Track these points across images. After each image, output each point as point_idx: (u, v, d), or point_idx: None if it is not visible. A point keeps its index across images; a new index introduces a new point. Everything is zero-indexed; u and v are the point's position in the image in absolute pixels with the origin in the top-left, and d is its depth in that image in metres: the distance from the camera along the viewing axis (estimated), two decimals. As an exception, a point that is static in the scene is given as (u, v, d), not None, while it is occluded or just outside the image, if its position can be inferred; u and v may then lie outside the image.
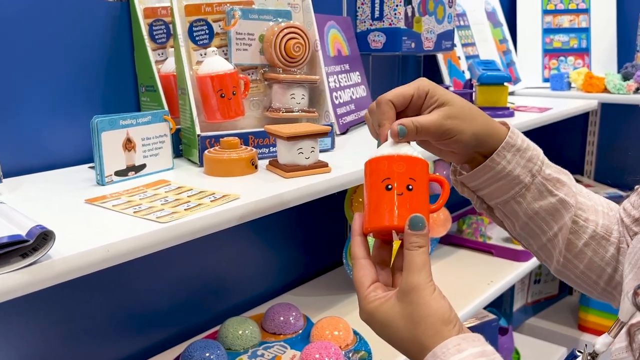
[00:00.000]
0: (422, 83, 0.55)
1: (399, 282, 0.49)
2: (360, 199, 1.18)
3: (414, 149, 0.53)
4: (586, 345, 0.52)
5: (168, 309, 1.02)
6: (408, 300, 0.47)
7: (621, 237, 0.61)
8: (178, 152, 0.85)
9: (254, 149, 0.77)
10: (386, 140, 0.53)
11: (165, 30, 0.88)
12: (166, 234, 0.56)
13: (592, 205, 0.61)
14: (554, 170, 0.59)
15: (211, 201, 0.63)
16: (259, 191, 0.67)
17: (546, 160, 0.59)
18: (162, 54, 0.89)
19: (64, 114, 0.83)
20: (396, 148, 0.52)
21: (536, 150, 0.58)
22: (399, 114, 0.55)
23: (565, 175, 0.60)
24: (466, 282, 1.29)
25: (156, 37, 0.88)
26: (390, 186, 0.50)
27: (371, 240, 0.53)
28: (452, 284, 1.29)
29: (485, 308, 1.50)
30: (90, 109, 0.84)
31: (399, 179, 0.50)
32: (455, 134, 0.54)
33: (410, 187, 0.50)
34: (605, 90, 1.62)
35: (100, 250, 0.51)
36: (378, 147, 0.54)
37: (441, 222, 1.42)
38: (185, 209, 0.60)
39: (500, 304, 1.86)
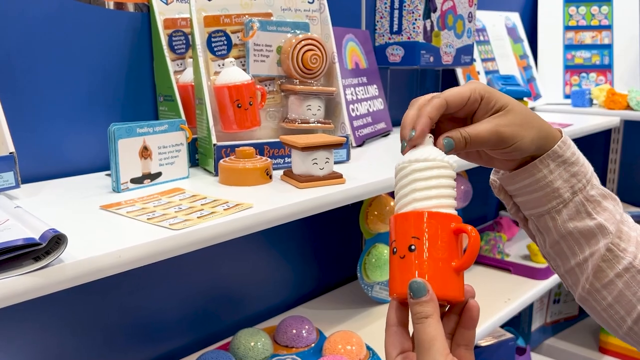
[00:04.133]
0: (478, 86, 0.51)
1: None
2: (376, 212, 1.17)
3: (443, 155, 0.48)
4: None
5: (181, 318, 1.02)
6: None
7: None
8: (194, 162, 0.86)
9: (269, 159, 0.77)
10: (421, 137, 0.48)
11: (184, 41, 0.90)
12: (178, 241, 0.56)
13: (635, 237, 0.56)
14: (599, 192, 0.54)
15: (224, 210, 0.63)
16: (273, 201, 0.67)
17: (594, 181, 0.54)
18: (181, 64, 0.90)
19: (83, 123, 0.84)
20: (423, 151, 0.47)
21: (584, 167, 0.53)
22: (449, 119, 0.51)
23: (611, 201, 0.55)
24: (483, 299, 1.26)
25: (175, 47, 0.89)
26: (395, 249, 0.46)
27: None
28: (469, 301, 1.26)
29: (502, 327, 1.48)
30: (109, 118, 0.86)
31: (402, 240, 0.45)
32: (513, 142, 0.50)
33: (413, 247, 0.44)
34: (628, 107, 1.59)
35: (112, 255, 0.51)
36: (403, 150, 0.49)
37: (458, 237, 1.41)
38: (198, 217, 0.60)
39: (518, 324, 1.82)
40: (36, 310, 0.82)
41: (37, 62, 0.78)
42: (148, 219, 0.60)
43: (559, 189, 0.52)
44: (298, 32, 0.87)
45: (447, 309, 0.48)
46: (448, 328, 0.48)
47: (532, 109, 1.69)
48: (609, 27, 1.83)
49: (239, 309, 1.12)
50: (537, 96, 1.76)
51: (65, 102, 0.81)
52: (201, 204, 0.65)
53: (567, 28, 1.86)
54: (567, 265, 0.56)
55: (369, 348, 1.00)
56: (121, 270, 0.51)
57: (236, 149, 0.77)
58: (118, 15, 0.85)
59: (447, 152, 0.49)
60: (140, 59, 0.89)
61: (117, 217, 0.61)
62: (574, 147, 0.54)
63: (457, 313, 0.47)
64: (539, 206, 0.54)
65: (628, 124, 1.89)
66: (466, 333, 0.47)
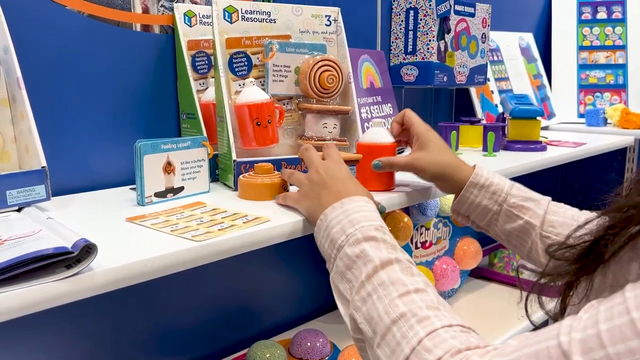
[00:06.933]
0: (408, 118, 0.81)
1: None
2: (390, 228, 1.19)
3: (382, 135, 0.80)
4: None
5: (198, 330, 1.04)
6: None
7: None
8: (214, 177, 0.89)
9: (287, 175, 0.80)
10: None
11: (206, 62, 0.93)
12: (200, 252, 0.59)
13: (565, 221, 0.74)
14: (519, 199, 0.75)
15: (243, 223, 0.65)
16: (290, 215, 0.69)
17: (513, 191, 0.75)
18: (203, 83, 0.94)
19: (110, 139, 0.88)
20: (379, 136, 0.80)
21: (500, 186, 0.75)
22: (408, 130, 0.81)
23: (532, 202, 0.75)
24: (496, 316, 1.28)
25: (198, 67, 0.93)
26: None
27: None
28: (482, 317, 1.27)
29: (516, 345, 1.47)
30: (134, 135, 0.89)
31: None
32: (419, 172, 0.78)
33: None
34: (643, 126, 1.60)
35: (139, 264, 0.54)
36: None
37: (471, 254, 1.42)
38: (219, 229, 0.63)
39: (533, 342, 1.81)
40: (51, 321, 0.85)
41: (68, 81, 0.82)
42: (171, 230, 0.63)
43: (487, 206, 0.76)
44: (315, 53, 0.90)
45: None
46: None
47: (546, 128, 1.71)
48: (623, 47, 1.85)
49: (254, 322, 1.14)
50: (550, 115, 1.78)
51: (93, 119, 0.85)
52: (221, 217, 0.68)
53: (581, 48, 1.88)
54: (522, 254, 0.78)
55: (382, 362, 1.01)
56: (147, 278, 0.54)
57: (255, 164, 0.80)
58: (144, 37, 0.89)
59: (376, 170, 0.78)
60: (165, 78, 0.93)
61: (142, 229, 0.64)
62: (486, 174, 0.76)
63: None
64: (482, 220, 0.77)
65: (643, 143, 1.89)
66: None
